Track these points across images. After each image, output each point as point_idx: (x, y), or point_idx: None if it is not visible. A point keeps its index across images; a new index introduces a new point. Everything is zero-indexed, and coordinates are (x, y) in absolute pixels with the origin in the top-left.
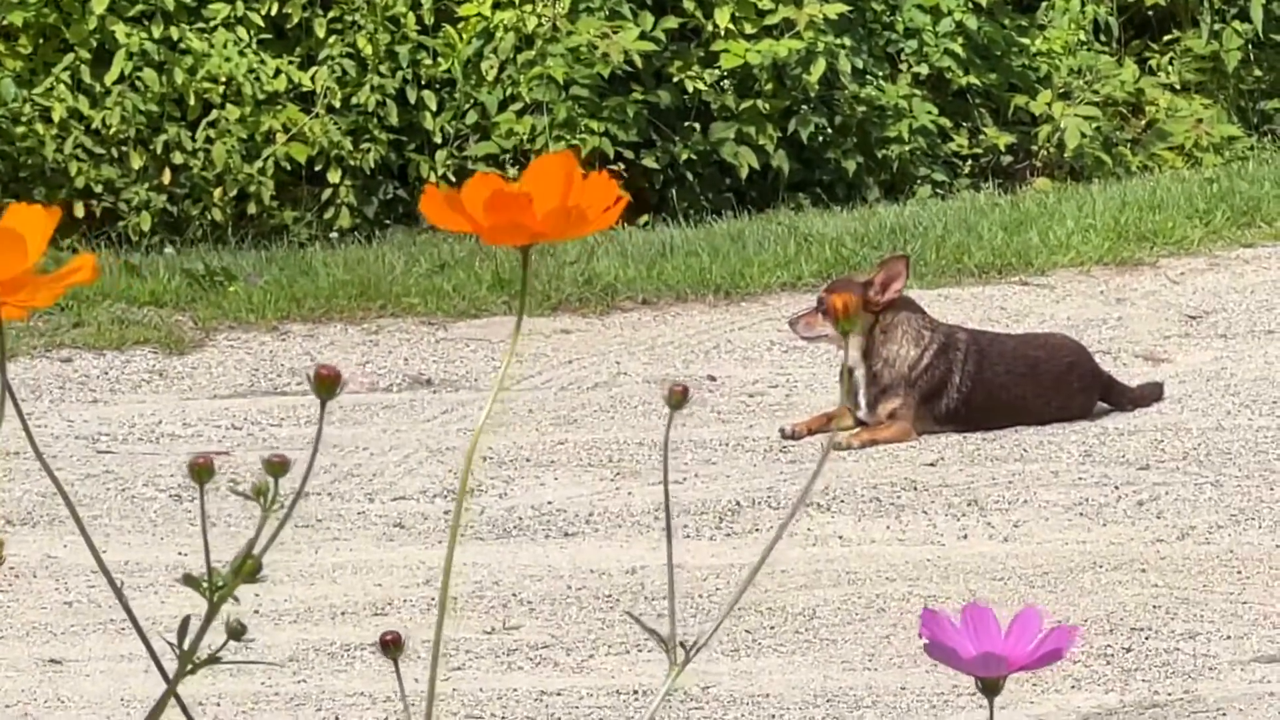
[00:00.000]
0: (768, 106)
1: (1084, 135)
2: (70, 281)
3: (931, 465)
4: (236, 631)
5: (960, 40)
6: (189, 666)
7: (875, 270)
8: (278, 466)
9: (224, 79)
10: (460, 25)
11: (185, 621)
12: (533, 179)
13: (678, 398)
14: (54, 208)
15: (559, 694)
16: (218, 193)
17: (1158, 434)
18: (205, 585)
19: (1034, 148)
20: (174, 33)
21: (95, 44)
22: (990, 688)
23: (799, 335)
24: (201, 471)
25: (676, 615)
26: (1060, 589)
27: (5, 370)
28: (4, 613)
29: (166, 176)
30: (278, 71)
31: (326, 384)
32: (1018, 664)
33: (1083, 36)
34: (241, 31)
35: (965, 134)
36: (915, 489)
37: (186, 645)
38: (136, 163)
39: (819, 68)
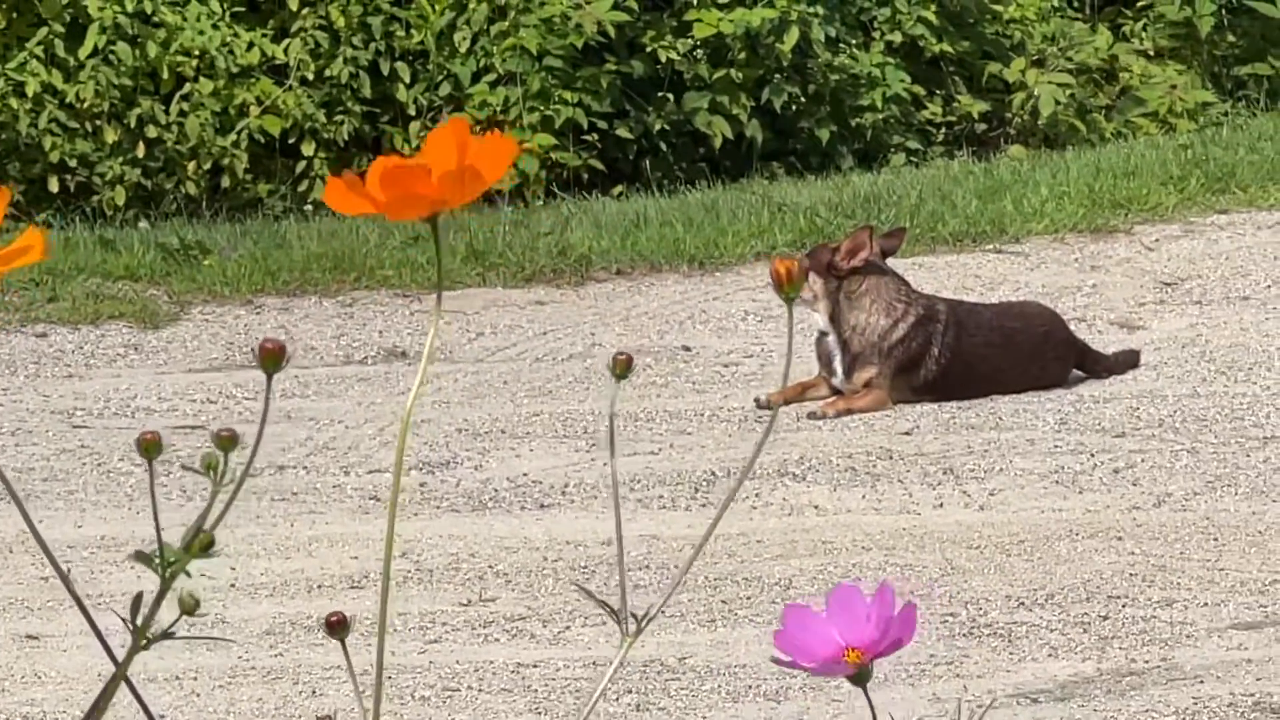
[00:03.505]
0: (741, 76)
1: (1058, 102)
2: (19, 262)
3: (907, 434)
4: (190, 606)
5: (933, 8)
6: (142, 643)
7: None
8: (227, 441)
9: (197, 52)
10: None
11: (138, 598)
12: (429, 151)
13: (622, 367)
14: (3, 188)
15: (535, 666)
16: (191, 166)
17: (1133, 401)
18: (157, 562)
19: (1008, 115)
20: (147, 6)
21: (68, 18)
22: (856, 678)
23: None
24: (149, 447)
25: (655, 586)
26: (1036, 557)
27: None
28: None
29: (140, 150)
30: (251, 45)
31: (272, 357)
32: (871, 655)
33: (1056, 3)
34: (214, 4)
35: (939, 102)
36: (891, 458)
37: (140, 622)
38: (110, 137)
39: (792, 36)
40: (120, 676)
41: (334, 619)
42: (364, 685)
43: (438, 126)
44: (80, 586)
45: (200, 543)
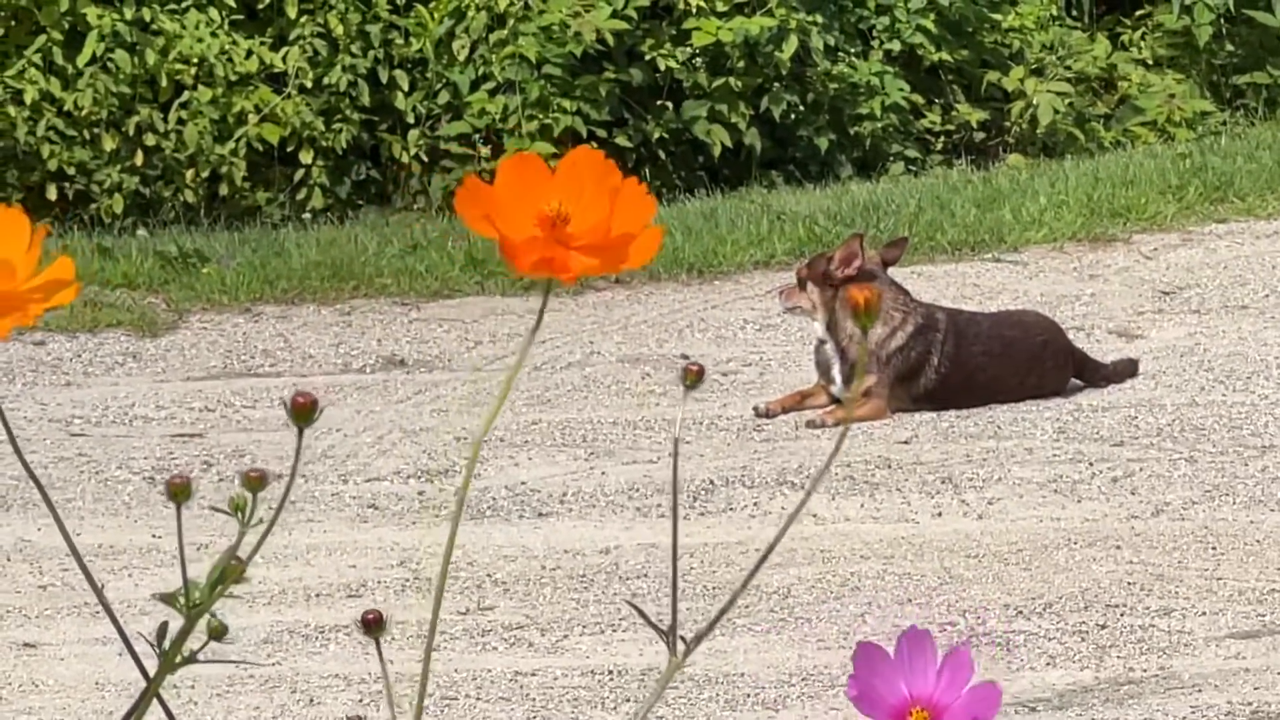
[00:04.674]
0: (740, 84)
1: (1057, 111)
2: (54, 302)
3: (905, 443)
4: (217, 632)
5: (932, 16)
6: (168, 668)
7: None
8: (256, 481)
9: (196, 60)
10: (432, 4)
11: (164, 627)
12: (568, 181)
13: (693, 378)
14: (41, 226)
15: (534, 674)
16: (190, 174)
17: (1132, 410)
18: (181, 602)
19: (1006, 124)
20: (146, 14)
21: (67, 26)
22: None
23: (781, 305)
24: (178, 492)
25: (652, 595)
26: (1035, 566)
27: None
28: None
29: (139, 158)
30: (249, 52)
31: (304, 412)
32: None
33: (1055, 12)
34: (213, 12)
35: (938, 111)
36: (889, 467)
37: (167, 644)
38: (109, 145)
39: (791, 45)
40: (152, 693)
41: (370, 617)
42: (365, 694)
43: (575, 151)
44: (78, 595)
45: (230, 574)
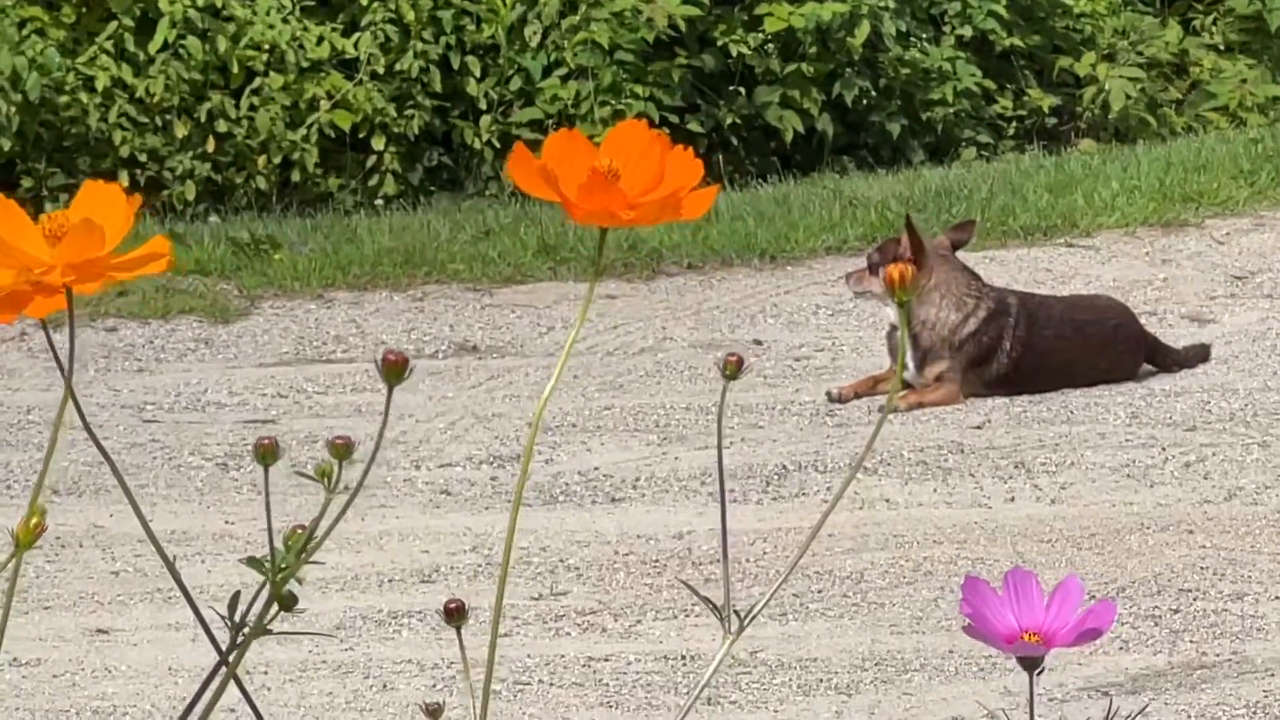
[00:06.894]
0: (812, 70)
1: (1128, 97)
2: (145, 270)
3: (978, 428)
4: (287, 602)
5: (1004, 2)
6: (240, 639)
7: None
8: (342, 449)
9: (267, 46)
10: None
11: (236, 596)
12: (615, 148)
13: (733, 369)
14: (134, 196)
15: (606, 659)
16: (262, 160)
17: (1204, 395)
18: (268, 566)
19: (1078, 109)
20: (217, 0)
21: (139, 12)
22: (1030, 663)
23: (850, 289)
24: (266, 454)
25: (723, 579)
26: (1107, 551)
27: (74, 347)
28: (51, 583)
29: (211, 145)
30: (321, 39)
31: (395, 369)
32: (1057, 643)
33: None
34: None
35: (1009, 96)
36: (962, 452)
37: (239, 618)
38: (181, 131)
39: (863, 31)
40: (227, 668)
41: (452, 606)
42: (438, 680)
43: (629, 124)
44: (150, 580)
45: (304, 545)
